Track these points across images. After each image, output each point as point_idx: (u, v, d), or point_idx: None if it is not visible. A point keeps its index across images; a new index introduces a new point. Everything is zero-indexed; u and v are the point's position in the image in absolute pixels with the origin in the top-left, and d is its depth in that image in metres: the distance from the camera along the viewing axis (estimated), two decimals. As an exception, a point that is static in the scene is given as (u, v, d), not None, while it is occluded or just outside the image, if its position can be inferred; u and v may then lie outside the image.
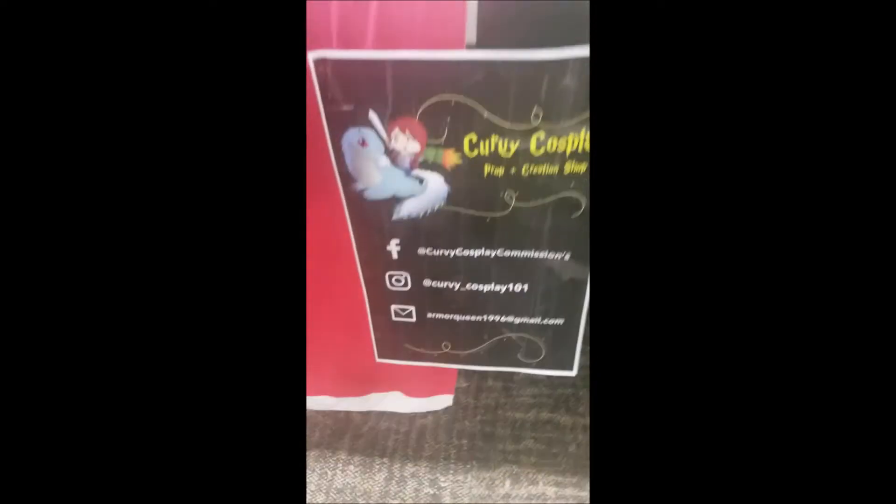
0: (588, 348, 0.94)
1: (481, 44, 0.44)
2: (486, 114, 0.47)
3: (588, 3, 0.42)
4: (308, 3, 0.45)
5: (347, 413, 0.87)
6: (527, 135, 0.48)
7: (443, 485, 0.78)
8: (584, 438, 0.84)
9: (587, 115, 0.46)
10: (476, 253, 0.59)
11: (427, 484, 0.78)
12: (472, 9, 0.43)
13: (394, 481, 0.78)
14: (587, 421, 0.86)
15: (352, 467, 0.80)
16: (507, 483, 0.78)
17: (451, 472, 0.79)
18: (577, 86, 0.44)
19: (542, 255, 0.58)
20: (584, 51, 0.43)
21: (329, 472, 0.80)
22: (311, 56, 0.45)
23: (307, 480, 0.79)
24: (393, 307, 0.67)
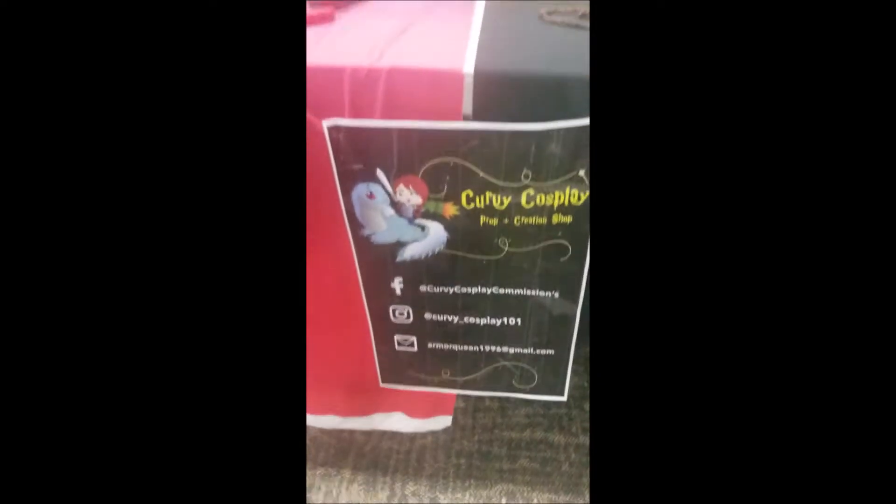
0: (579, 370, 0.99)
1: (476, 115, 0.50)
2: (481, 174, 0.52)
3: (572, 81, 0.47)
4: (323, 76, 0.50)
5: (352, 433, 0.92)
6: (518, 191, 0.53)
7: (442, 502, 0.82)
8: (577, 457, 0.89)
9: (572, 174, 0.52)
10: (473, 290, 0.64)
11: (427, 501, 0.82)
12: (468, 84, 0.49)
13: (396, 499, 0.83)
14: (580, 440, 0.91)
15: (356, 485, 0.85)
16: (504, 501, 0.82)
17: (451, 489, 0.84)
18: (561, 152, 0.50)
19: (533, 292, 0.64)
20: (567, 123, 0.48)
21: (334, 490, 0.84)
22: (326, 123, 0.51)
23: (314, 498, 0.83)
24: (396, 337, 0.72)
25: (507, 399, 0.96)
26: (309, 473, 0.87)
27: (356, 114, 0.51)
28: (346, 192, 0.56)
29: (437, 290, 0.65)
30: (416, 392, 0.79)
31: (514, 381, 0.76)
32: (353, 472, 0.87)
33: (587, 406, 0.96)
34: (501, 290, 0.64)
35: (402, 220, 0.58)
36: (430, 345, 0.72)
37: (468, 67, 0.49)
